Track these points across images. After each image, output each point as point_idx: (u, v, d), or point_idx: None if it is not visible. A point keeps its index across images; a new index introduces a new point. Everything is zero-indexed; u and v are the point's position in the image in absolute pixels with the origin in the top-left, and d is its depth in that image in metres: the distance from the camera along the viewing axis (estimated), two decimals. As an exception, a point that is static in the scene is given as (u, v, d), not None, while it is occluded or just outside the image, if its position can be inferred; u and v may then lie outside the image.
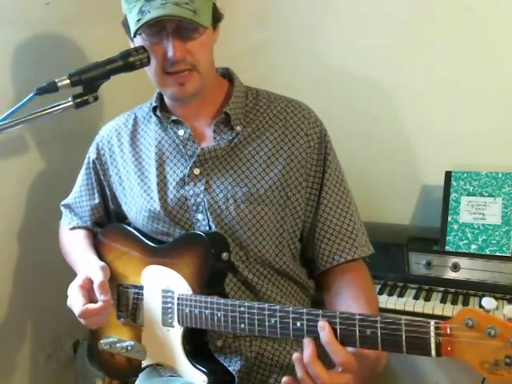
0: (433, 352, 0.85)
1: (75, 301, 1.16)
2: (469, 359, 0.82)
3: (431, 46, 1.94)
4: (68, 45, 1.83)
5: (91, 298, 1.17)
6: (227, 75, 1.35)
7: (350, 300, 1.15)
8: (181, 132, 1.29)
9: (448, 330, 0.84)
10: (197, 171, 1.25)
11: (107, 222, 1.46)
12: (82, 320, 1.17)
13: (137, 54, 1.16)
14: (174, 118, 1.29)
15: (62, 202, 1.51)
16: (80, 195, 1.45)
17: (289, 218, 1.26)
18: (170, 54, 1.15)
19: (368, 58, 2.04)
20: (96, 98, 1.14)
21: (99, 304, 1.14)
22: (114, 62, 1.14)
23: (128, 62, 1.15)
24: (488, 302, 0.81)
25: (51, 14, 1.77)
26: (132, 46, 1.23)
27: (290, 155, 1.25)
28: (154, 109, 1.33)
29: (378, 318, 0.90)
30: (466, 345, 0.82)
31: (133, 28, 1.15)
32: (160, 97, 1.33)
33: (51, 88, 1.09)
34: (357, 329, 0.92)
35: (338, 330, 0.94)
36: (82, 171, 1.46)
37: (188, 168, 1.25)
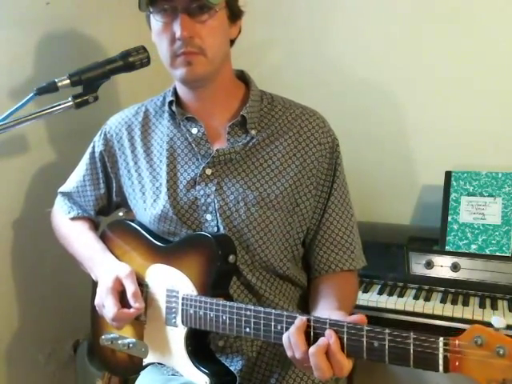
0: (440, 368, 0.84)
1: (108, 303, 1.18)
2: (476, 377, 0.82)
3: (431, 46, 1.94)
4: (68, 45, 1.82)
5: (121, 301, 1.20)
6: (242, 78, 1.34)
7: (328, 307, 1.13)
8: (194, 130, 1.28)
9: (457, 347, 0.83)
10: (209, 171, 1.24)
11: (108, 212, 1.46)
12: (114, 322, 1.19)
13: (137, 53, 1.16)
14: (189, 115, 1.28)
15: (61, 189, 1.48)
16: (83, 185, 1.42)
17: (296, 224, 1.26)
18: (178, 33, 1.15)
19: (368, 58, 2.04)
20: (96, 98, 1.14)
21: (133, 310, 1.18)
22: (113, 61, 1.15)
23: (128, 62, 1.15)
24: (497, 321, 0.80)
25: (52, 14, 1.76)
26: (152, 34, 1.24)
27: (303, 162, 1.25)
28: (170, 103, 1.31)
29: (387, 331, 0.89)
30: (475, 363, 0.82)
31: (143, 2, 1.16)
32: (175, 92, 1.32)
33: (51, 88, 1.09)
34: (364, 340, 0.91)
35: (345, 340, 0.93)
36: (86, 160, 1.42)
37: (200, 168, 1.25)
